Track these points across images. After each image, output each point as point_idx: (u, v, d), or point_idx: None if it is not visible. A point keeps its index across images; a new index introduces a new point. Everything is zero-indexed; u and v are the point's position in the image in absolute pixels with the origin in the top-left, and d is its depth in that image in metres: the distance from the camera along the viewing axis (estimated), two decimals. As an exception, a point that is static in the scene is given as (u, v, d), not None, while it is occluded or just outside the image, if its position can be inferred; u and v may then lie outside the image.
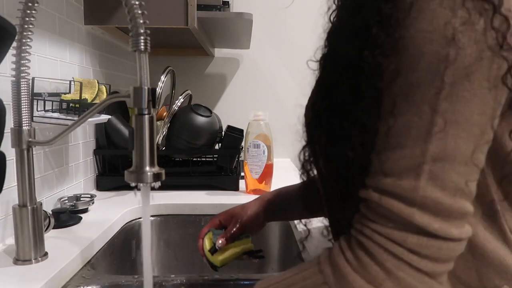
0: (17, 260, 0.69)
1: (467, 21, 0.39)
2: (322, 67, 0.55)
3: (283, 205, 0.78)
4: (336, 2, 0.54)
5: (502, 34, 0.40)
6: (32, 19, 0.65)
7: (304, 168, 0.62)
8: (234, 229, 0.73)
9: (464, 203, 0.40)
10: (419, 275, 0.40)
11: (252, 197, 1.13)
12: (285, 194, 0.79)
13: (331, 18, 0.55)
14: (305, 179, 0.64)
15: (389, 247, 0.40)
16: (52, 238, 0.79)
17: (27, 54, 0.66)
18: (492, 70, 0.40)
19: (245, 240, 0.73)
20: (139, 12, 0.51)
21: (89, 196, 1.00)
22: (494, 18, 0.39)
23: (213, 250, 0.71)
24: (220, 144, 1.29)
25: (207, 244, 0.73)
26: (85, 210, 0.96)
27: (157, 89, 1.22)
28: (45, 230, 0.75)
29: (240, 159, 1.28)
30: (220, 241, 0.71)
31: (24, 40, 0.65)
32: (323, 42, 0.55)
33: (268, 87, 1.80)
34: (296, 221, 0.93)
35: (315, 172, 0.61)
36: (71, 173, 1.05)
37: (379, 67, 0.42)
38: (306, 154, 0.61)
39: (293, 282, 0.45)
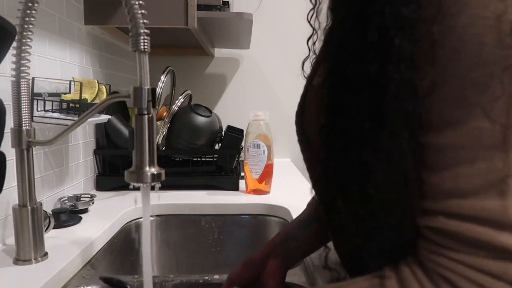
0: (17, 260, 0.69)
1: None
2: (328, 83, 0.45)
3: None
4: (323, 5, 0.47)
5: None
6: (32, 19, 0.65)
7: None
8: None
9: None
10: None
11: (252, 197, 1.14)
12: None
13: (328, 19, 0.49)
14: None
15: (486, 282, 0.33)
16: (52, 238, 0.79)
17: (27, 54, 0.66)
18: None
19: None
20: (139, 12, 0.51)
21: (89, 196, 1.00)
22: None
23: None
24: (220, 144, 1.29)
25: None
26: (85, 210, 0.96)
27: (157, 89, 1.22)
28: (45, 230, 0.75)
29: (240, 159, 1.28)
30: None
31: (24, 40, 0.65)
32: (322, 49, 0.49)
33: (268, 87, 1.80)
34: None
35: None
36: (71, 173, 1.05)
37: (409, 83, 0.35)
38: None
39: None
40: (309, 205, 0.71)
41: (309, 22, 0.55)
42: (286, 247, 0.64)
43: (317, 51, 0.57)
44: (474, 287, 0.33)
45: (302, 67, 0.60)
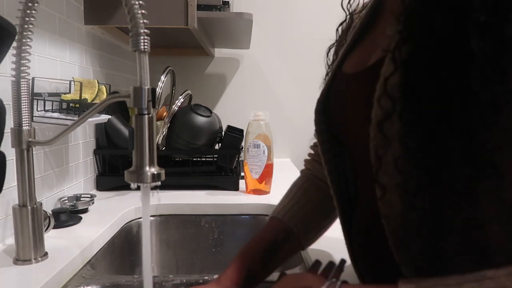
0: (17, 260, 0.69)
1: None
2: (401, 62, 0.39)
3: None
4: None
5: None
6: (32, 19, 0.65)
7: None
8: None
9: None
10: None
11: (252, 197, 1.14)
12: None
13: None
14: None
15: None
16: (52, 238, 0.79)
17: (27, 54, 0.66)
18: None
19: None
20: (139, 12, 0.51)
21: (89, 196, 1.00)
22: None
23: None
24: (220, 144, 1.29)
25: None
26: (85, 210, 0.96)
27: (157, 89, 1.22)
28: (45, 230, 0.75)
29: (240, 159, 1.28)
30: None
31: (24, 40, 0.65)
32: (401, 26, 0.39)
33: (268, 87, 1.80)
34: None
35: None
36: (71, 173, 1.05)
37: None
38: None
39: None
40: (271, 219, 0.65)
41: (342, 7, 0.55)
42: None
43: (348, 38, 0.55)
44: None
45: (327, 54, 0.60)
